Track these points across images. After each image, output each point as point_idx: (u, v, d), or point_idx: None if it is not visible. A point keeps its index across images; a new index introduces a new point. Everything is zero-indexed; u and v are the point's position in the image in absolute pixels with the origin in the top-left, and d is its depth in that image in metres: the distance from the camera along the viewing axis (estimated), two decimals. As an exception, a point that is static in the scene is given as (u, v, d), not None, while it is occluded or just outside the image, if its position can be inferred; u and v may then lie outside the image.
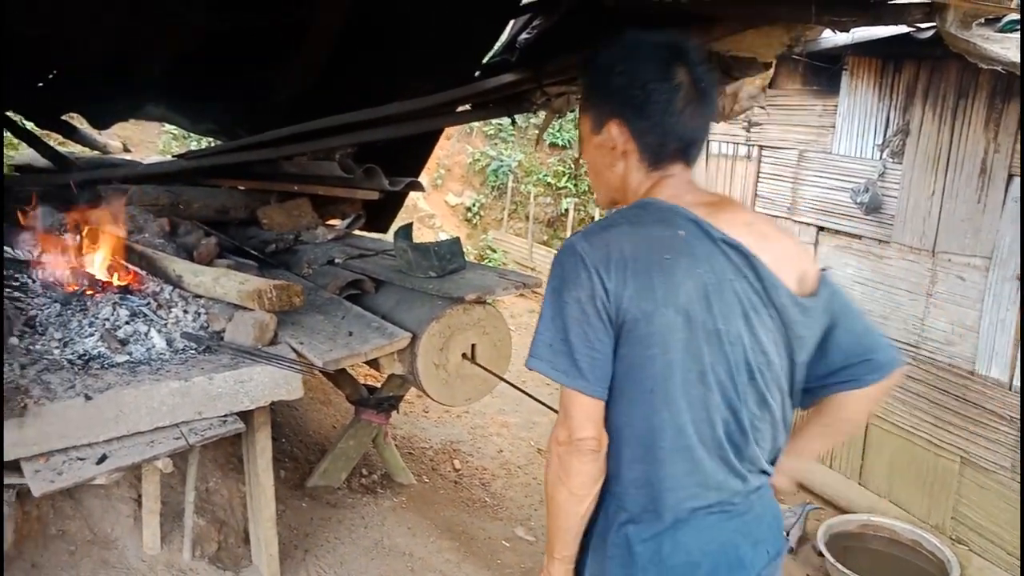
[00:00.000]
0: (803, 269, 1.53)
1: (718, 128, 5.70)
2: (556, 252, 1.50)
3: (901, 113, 4.64)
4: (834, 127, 5.05)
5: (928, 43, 3.98)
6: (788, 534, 4.49)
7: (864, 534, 4.44)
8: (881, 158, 4.75)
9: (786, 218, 5.42)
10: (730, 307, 1.44)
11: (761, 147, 5.60)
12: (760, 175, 5.62)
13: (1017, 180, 3.98)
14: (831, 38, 4.50)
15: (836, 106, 5.03)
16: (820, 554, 4.11)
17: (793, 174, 5.35)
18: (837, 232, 5.08)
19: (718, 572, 1.49)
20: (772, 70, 3.95)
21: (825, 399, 1.63)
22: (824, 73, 5.08)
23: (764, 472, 1.55)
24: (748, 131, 5.65)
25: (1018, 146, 3.97)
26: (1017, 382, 4.05)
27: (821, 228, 5.18)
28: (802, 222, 5.30)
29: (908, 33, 4.09)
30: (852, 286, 4.98)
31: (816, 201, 5.20)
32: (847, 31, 3.52)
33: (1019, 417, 4.08)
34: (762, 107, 4.66)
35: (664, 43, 1.53)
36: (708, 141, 5.97)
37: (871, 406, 1.68)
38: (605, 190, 1.64)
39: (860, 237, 4.92)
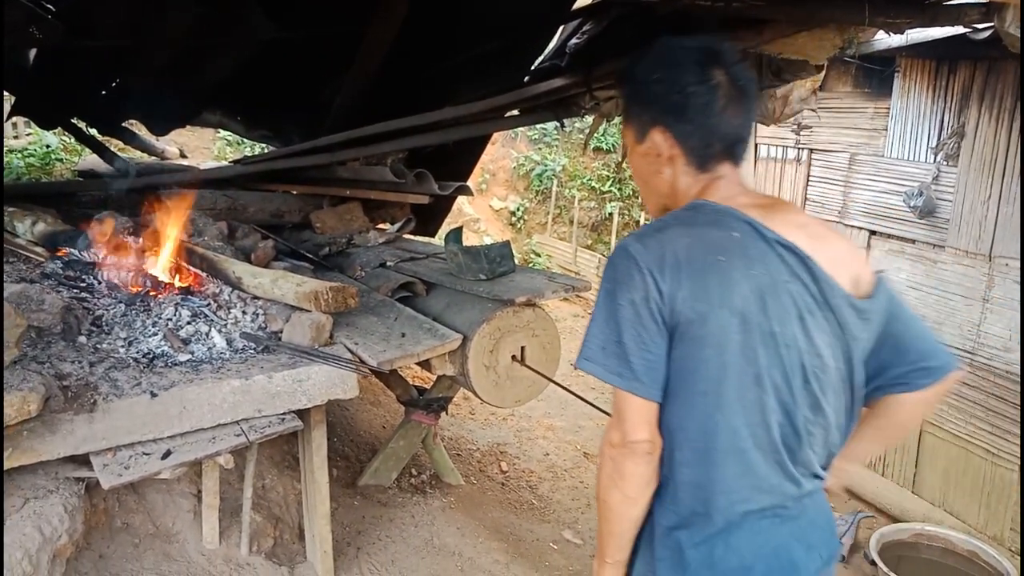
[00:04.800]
0: (858, 271, 1.52)
1: (767, 131, 5.66)
2: (610, 256, 1.49)
3: (956, 115, 4.56)
4: (886, 130, 4.99)
5: (984, 44, 3.91)
6: (840, 541, 4.43)
7: (918, 543, 4.36)
8: (935, 161, 4.68)
9: (837, 222, 5.36)
10: (785, 309, 1.43)
11: (811, 150, 5.54)
12: (810, 178, 5.57)
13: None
14: (883, 40, 4.44)
15: (888, 108, 4.96)
16: (872, 563, 4.04)
17: (844, 177, 5.29)
18: (890, 236, 5.01)
19: (768, 574, 1.47)
20: (823, 72, 3.92)
21: (879, 401, 1.61)
22: (875, 75, 5.01)
23: (817, 476, 1.54)
24: (798, 134, 5.59)
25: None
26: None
27: (873, 232, 5.11)
28: (853, 226, 5.23)
29: (964, 34, 4.02)
30: (905, 291, 4.90)
31: (868, 205, 5.13)
32: (901, 33, 3.47)
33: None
34: (812, 110, 4.61)
35: (698, 47, 1.54)
36: (754, 140, 5.93)
37: (925, 410, 1.66)
38: (655, 197, 1.63)
39: (913, 241, 4.84)
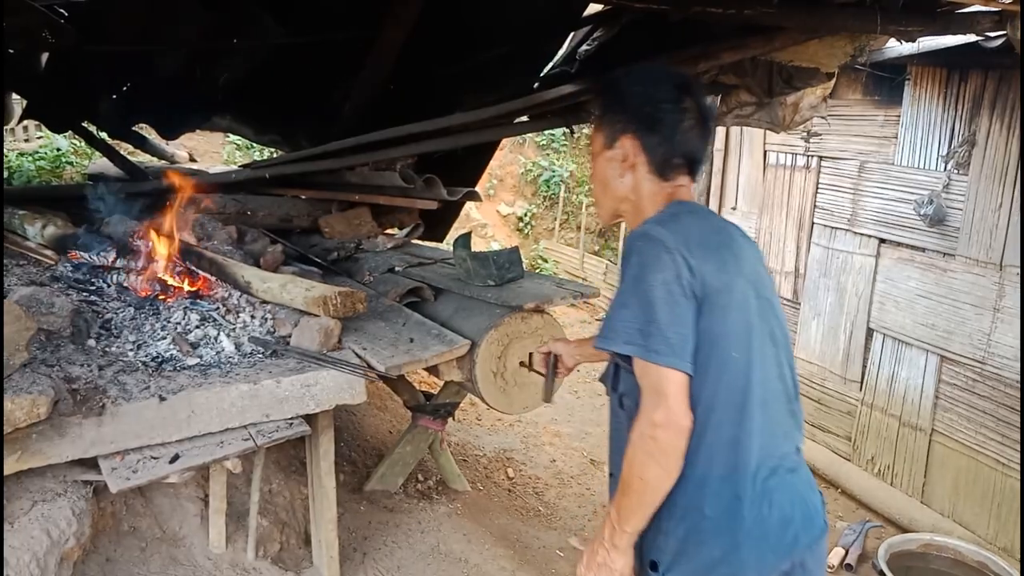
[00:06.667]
0: None
1: (776, 138, 5.65)
2: (629, 243, 1.63)
3: (967, 123, 4.55)
4: (896, 137, 4.97)
5: (996, 52, 3.89)
6: (847, 552, 4.40)
7: (927, 554, 4.32)
8: (946, 169, 4.66)
9: (846, 230, 5.34)
10: (768, 282, 1.71)
11: (821, 157, 5.53)
12: (819, 186, 5.55)
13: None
14: (894, 48, 4.43)
15: (898, 116, 4.95)
16: (881, 573, 4.01)
17: (853, 185, 5.27)
18: (899, 244, 4.98)
19: (805, 522, 1.65)
20: (834, 80, 3.91)
21: None
22: (886, 83, 5.00)
23: (801, 430, 1.75)
24: (807, 141, 5.58)
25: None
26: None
27: (883, 240, 5.09)
28: (863, 234, 5.21)
29: (975, 42, 4.00)
30: (915, 300, 4.87)
31: (877, 213, 5.11)
32: (913, 41, 3.47)
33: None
34: (823, 117, 4.60)
35: (675, 74, 1.81)
36: (763, 147, 5.91)
37: None
38: (610, 201, 1.81)
39: (923, 250, 4.82)
